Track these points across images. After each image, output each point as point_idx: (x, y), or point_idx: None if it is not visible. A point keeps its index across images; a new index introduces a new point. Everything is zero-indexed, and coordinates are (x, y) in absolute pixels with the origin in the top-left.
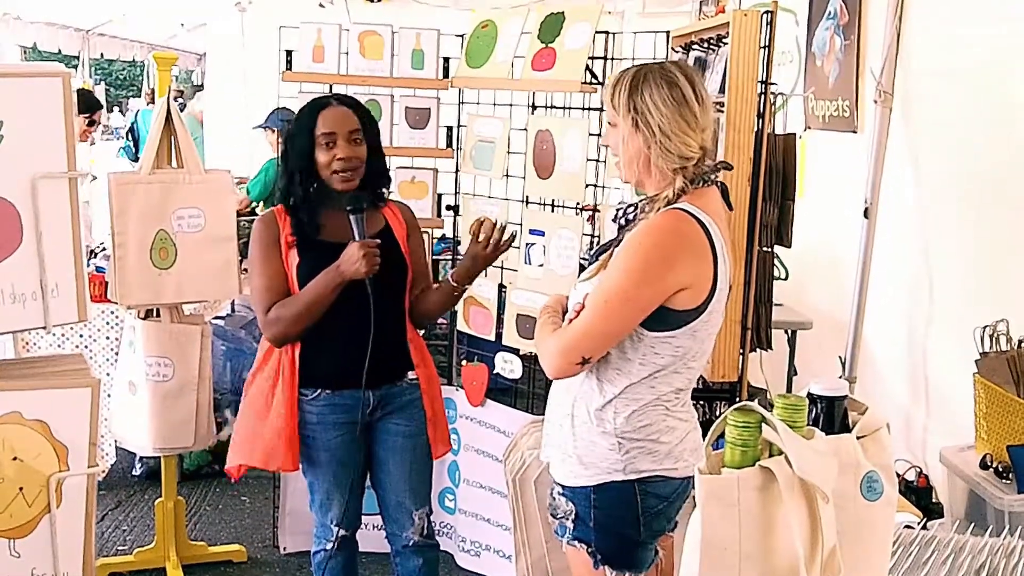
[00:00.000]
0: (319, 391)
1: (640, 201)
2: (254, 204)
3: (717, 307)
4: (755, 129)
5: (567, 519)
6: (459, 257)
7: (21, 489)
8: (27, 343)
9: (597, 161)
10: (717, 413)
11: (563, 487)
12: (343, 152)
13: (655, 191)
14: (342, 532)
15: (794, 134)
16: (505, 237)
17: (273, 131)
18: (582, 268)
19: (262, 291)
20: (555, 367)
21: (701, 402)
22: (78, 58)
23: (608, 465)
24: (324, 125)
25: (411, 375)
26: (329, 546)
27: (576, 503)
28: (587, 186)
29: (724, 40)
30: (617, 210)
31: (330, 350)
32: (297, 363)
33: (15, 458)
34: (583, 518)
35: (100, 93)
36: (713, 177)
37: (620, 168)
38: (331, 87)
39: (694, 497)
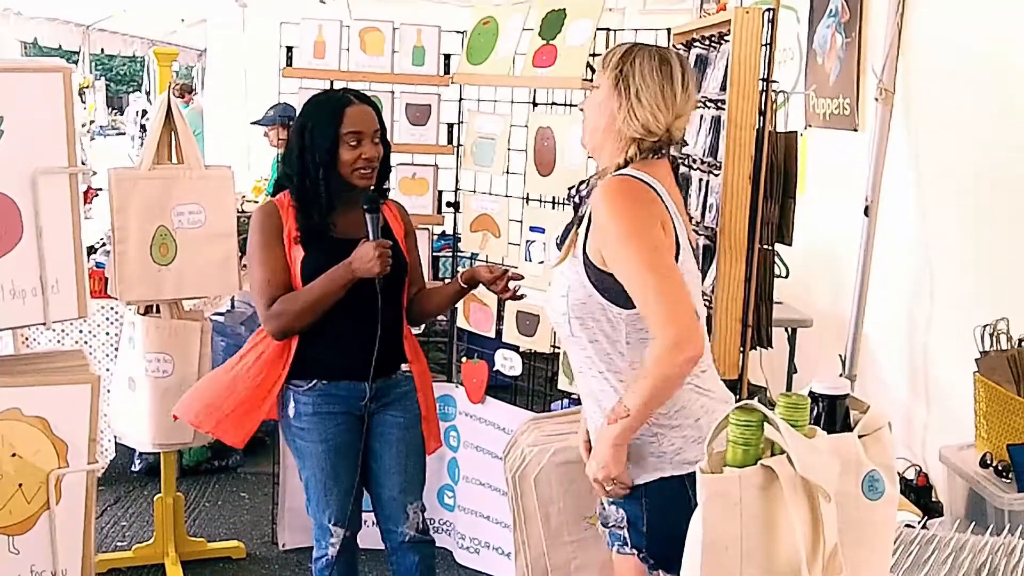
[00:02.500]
0: (314, 382)
1: (590, 178)
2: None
3: (689, 267)
4: (756, 127)
5: (619, 527)
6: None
7: (20, 485)
8: (26, 339)
9: None
10: None
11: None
12: (369, 152)
13: (609, 162)
14: (343, 532)
15: (795, 132)
16: (516, 291)
17: (282, 127)
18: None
19: (263, 284)
20: (691, 345)
21: None
22: (78, 54)
23: (654, 461)
24: (352, 124)
25: (404, 368)
26: (331, 551)
27: (627, 509)
28: None
29: (725, 37)
30: (569, 190)
31: (331, 344)
32: (292, 356)
33: (14, 454)
34: (635, 523)
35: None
36: (664, 151)
37: (585, 132)
38: (332, 83)
39: None
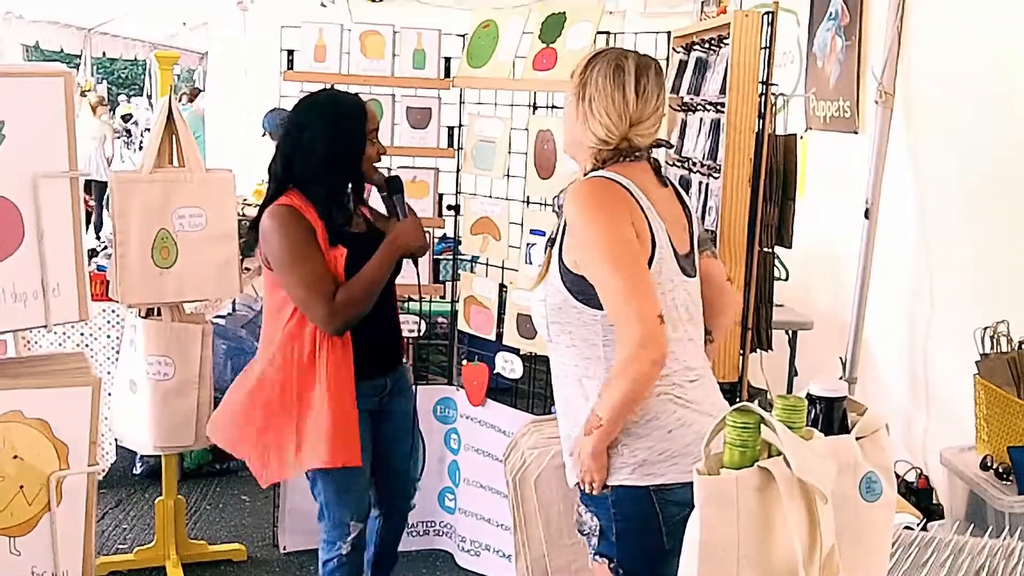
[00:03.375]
0: None
1: (568, 185)
2: None
3: (666, 266)
4: (756, 130)
5: (593, 535)
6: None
7: (21, 487)
8: (28, 341)
9: None
10: None
11: (586, 502)
12: (381, 146)
13: (582, 169)
14: (361, 526)
15: (795, 135)
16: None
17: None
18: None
19: (318, 282)
20: (655, 347)
21: None
22: (80, 57)
23: (616, 468)
24: (372, 120)
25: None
26: (345, 550)
27: (599, 516)
28: None
29: (725, 41)
30: (554, 200)
31: (368, 338)
32: (352, 356)
33: (15, 456)
34: (606, 532)
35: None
36: (638, 153)
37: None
38: (332, 87)
39: None
